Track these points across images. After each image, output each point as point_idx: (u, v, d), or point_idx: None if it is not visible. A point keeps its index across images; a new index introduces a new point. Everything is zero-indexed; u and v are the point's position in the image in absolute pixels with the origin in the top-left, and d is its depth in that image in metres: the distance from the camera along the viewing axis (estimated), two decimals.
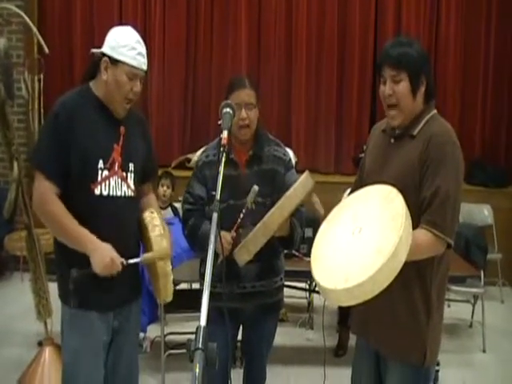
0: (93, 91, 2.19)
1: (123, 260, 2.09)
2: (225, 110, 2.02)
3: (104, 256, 2.05)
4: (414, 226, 1.83)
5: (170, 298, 2.27)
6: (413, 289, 2.00)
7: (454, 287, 4.03)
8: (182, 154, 5.66)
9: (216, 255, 2.10)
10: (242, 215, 2.28)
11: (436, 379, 3.61)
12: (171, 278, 2.21)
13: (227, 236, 2.28)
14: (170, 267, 2.18)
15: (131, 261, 2.12)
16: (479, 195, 5.30)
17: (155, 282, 2.27)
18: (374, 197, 1.92)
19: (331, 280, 1.76)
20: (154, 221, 2.21)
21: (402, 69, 1.97)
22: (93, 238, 2.07)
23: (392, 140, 2.10)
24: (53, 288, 2.38)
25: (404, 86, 1.99)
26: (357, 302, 1.72)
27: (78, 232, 2.07)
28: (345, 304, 1.79)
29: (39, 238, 3.40)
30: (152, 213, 2.25)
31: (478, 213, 5.15)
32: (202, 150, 2.67)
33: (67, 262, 2.12)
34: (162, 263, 2.16)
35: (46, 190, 2.08)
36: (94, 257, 2.05)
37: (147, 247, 2.28)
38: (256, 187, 2.28)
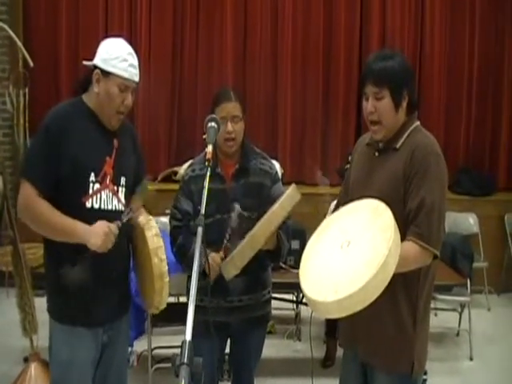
0: (85, 103, 2.18)
1: (118, 222, 2.07)
2: (210, 125, 2.03)
3: (99, 229, 2.02)
4: (400, 238, 1.84)
5: (163, 305, 2.20)
6: (399, 300, 2.01)
7: (440, 296, 4.05)
8: (169, 166, 5.65)
9: (204, 274, 2.10)
10: (227, 235, 2.28)
11: None
12: (167, 279, 2.12)
13: (217, 258, 2.28)
14: (166, 267, 2.11)
15: (125, 218, 2.10)
16: (464, 204, 5.34)
17: (148, 287, 2.19)
18: (362, 211, 1.93)
19: (321, 292, 1.76)
20: (151, 222, 2.18)
21: (384, 86, 1.98)
22: (81, 223, 2.05)
23: (376, 153, 2.12)
24: (38, 303, 2.36)
25: (386, 102, 2.00)
26: (346, 314, 1.73)
27: (66, 223, 2.05)
28: (334, 316, 1.79)
29: (25, 252, 3.37)
30: (148, 217, 2.21)
31: (464, 221, 5.19)
32: (188, 163, 2.67)
33: (57, 274, 2.09)
34: (158, 261, 2.09)
35: (30, 194, 2.06)
36: (90, 235, 2.02)
37: (139, 257, 2.27)
38: (237, 206, 2.28)
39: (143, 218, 2.19)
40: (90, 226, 2.04)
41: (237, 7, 5.66)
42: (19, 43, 3.83)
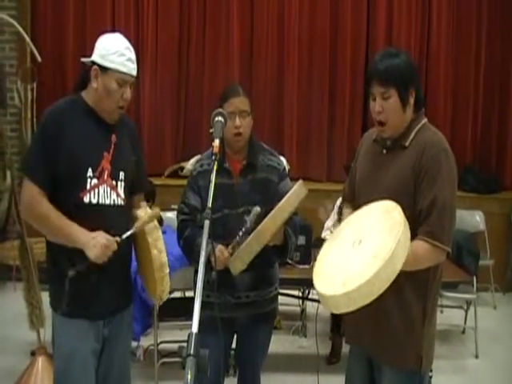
0: (84, 99, 2.20)
1: (117, 238, 2.08)
2: (216, 119, 2.03)
3: (98, 241, 2.04)
4: (411, 233, 1.84)
5: (166, 295, 2.22)
6: (407, 296, 2.02)
7: (446, 293, 4.04)
8: (175, 162, 5.67)
9: (210, 267, 2.10)
10: (241, 233, 2.27)
11: None
12: (167, 270, 2.16)
13: (225, 252, 2.27)
14: (165, 258, 2.15)
15: (124, 235, 2.10)
16: (471, 201, 5.32)
17: (150, 278, 2.22)
18: (374, 212, 1.95)
19: (330, 286, 1.78)
20: (150, 215, 2.19)
21: (391, 85, 1.98)
22: (83, 230, 2.07)
23: (384, 151, 2.11)
24: (46, 297, 2.38)
25: (393, 101, 2.00)
26: (355, 308, 1.74)
27: (68, 228, 2.07)
28: (344, 310, 1.79)
29: (32, 247, 3.39)
30: (146, 209, 2.23)
31: (470, 219, 5.16)
32: (195, 158, 2.68)
33: (59, 268, 2.11)
34: (157, 252, 2.12)
35: (33, 194, 2.09)
36: (89, 246, 2.04)
37: (139, 249, 2.28)
38: (258, 208, 2.27)
39: (141, 211, 2.21)
40: (91, 235, 2.06)
41: (243, 4, 5.65)
42: (27, 38, 3.84)
